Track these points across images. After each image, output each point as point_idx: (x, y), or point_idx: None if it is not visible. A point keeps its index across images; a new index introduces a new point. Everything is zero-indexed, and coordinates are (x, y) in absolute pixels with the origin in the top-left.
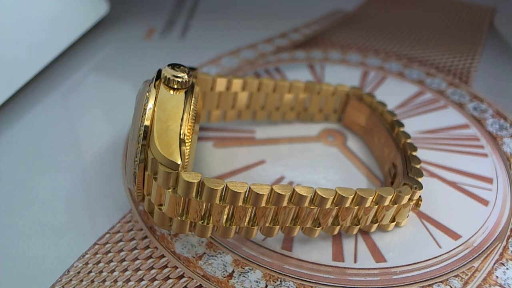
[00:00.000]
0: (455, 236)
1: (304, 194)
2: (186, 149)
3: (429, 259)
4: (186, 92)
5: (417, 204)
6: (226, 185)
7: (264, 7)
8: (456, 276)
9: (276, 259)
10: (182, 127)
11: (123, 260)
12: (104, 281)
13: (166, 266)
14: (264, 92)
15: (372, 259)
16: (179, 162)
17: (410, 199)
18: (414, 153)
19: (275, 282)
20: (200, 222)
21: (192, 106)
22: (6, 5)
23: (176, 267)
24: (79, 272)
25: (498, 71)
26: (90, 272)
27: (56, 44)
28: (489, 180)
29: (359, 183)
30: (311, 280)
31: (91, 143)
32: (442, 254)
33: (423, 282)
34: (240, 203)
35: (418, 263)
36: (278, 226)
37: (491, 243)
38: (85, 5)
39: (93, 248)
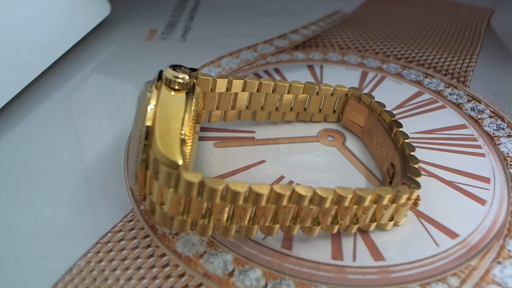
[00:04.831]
0: (453, 235)
1: (303, 194)
2: (187, 149)
3: (427, 258)
4: (187, 93)
5: (415, 204)
6: (227, 185)
7: (264, 8)
8: (454, 274)
9: (276, 258)
10: (183, 127)
11: (125, 259)
12: (106, 279)
13: (167, 265)
14: (264, 92)
15: (371, 258)
16: (180, 162)
17: (408, 199)
18: (412, 153)
19: (275, 280)
20: (201, 221)
21: (193, 107)
22: (12, 7)
23: (177, 266)
24: (81, 271)
25: (495, 72)
26: (93, 270)
27: (59, 46)
28: (486, 180)
29: (358, 182)
30: (311, 279)
31: (93, 143)
32: (440, 253)
33: (421, 281)
34: (241, 203)
35: (416, 261)
36: (278, 225)
37: (488, 242)
38: (87, 7)
39: (95, 247)
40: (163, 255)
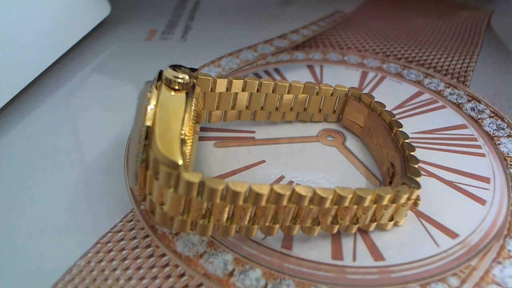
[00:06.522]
0: (453, 235)
1: (303, 194)
2: (187, 149)
3: (427, 258)
4: (187, 93)
5: (415, 204)
6: (227, 185)
7: (264, 8)
8: (454, 274)
9: (276, 258)
10: (183, 127)
11: (125, 259)
12: (106, 279)
13: (167, 265)
14: (264, 92)
15: (371, 258)
16: (180, 162)
17: (408, 199)
18: (412, 153)
19: (275, 280)
20: (201, 221)
21: (193, 107)
22: (12, 7)
23: (177, 266)
24: (81, 271)
25: (495, 71)
26: (93, 270)
27: (59, 46)
28: (486, 180)
29: (358, 182)
30: (311, 279)
31: (93, 143)
32: (440, 253)
33: (421, 281)
34: (241, 203)
35: (416, 261)
36: (278, 225)
37: (488, 242)
38: (87, 7)
39: (95, 247)
40: (163, 255)
